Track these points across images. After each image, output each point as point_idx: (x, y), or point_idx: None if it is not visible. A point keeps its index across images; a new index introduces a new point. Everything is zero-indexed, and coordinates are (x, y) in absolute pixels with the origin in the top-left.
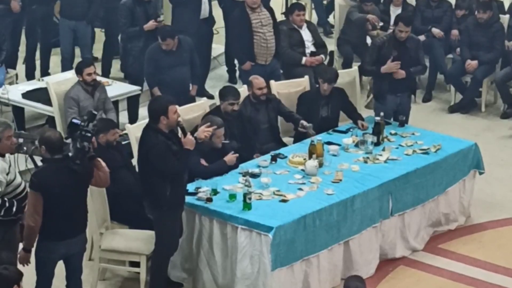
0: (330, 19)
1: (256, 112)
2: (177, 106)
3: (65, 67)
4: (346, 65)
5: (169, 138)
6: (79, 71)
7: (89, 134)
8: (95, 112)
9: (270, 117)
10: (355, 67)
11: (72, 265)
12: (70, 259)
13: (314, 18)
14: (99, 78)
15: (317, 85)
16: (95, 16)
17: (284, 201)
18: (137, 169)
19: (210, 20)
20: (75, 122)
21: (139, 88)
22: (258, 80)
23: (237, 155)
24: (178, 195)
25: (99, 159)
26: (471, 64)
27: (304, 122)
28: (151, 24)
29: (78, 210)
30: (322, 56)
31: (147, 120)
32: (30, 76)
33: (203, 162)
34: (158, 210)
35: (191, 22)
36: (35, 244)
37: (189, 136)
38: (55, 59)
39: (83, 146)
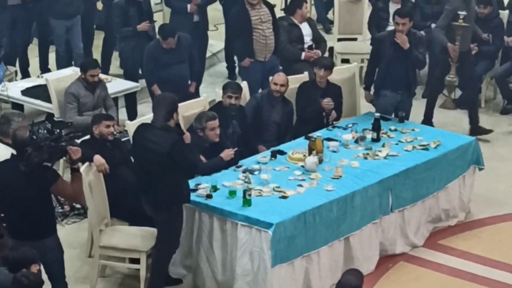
0: (329, 15)
1: (270, 107)
2: None
3: (60, 65)
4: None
5: (179, 133)
6: (83, 70)
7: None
8: (56, 119)
9: (283, 118)
10: (354, 63)
11: (49, 274)
12: (45, 267)
13: (313, 15)
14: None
15: (314, 76)
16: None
17: (284, 197)
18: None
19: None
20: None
21: (138, 84)
22: (277, 76)
23: (233, 151)
24: (188, 191)
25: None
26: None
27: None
28: (144, 25)
29: (34, 213)
30: (319, 51)
31: (146, 117)
32: (24, 73)
33: (201, 158)
34: (168, 211)
35: (184, 26)
36: None
37: (185, 131)
38: (52, 56)
39: (31, 153)
